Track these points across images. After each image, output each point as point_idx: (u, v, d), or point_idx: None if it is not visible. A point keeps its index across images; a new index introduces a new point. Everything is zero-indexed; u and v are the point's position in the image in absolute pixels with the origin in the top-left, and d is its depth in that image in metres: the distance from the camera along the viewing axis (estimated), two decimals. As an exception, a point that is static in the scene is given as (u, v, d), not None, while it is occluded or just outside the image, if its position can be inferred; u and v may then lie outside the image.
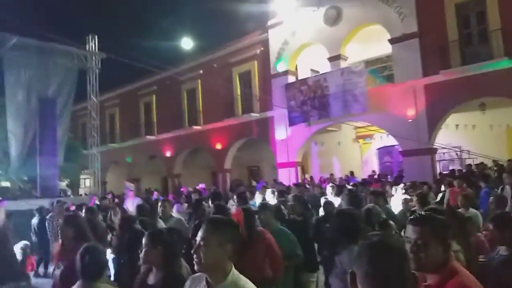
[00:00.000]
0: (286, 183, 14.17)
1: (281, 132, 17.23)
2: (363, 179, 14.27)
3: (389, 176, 14.23)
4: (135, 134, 23.87)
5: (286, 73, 17.34)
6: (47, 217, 8.64)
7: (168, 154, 22.34)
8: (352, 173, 16.50)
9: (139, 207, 5.84)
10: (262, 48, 18.34)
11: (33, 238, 8.75)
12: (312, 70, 18.35)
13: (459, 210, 5.04)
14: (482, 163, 12.31)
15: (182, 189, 14.27)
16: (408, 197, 6.86)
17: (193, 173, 21.99)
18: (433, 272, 1.92)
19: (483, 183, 7.88)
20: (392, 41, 14.15)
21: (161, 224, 5.38)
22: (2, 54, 15.97)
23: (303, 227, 5.04)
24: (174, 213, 7.34)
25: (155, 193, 13.04)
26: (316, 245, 5.32)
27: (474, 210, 5.32)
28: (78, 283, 2.76)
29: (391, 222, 4.24)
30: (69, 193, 16.91)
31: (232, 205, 6.41)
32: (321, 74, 16.17)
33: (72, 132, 22.33)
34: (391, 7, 14.05)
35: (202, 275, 2.01)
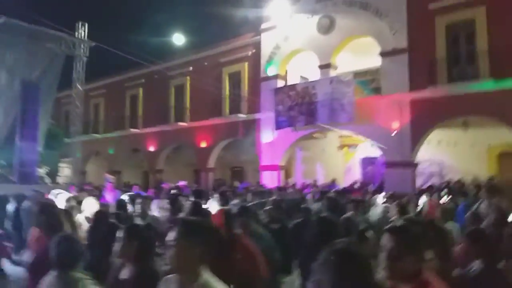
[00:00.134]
0: (269, 186, 14.18)
1: (267, 135, 17.25)
2: (345, 187, 14.38)
3: (370, 186, 14.37)
4: (119, 126, 23.55)
5: (275, 77, 17.39)
6: (23, 205, 8.44)
7: (151, 148, 22.11)
8: (334, 180, 16.61)
9: (119, 202, 5.77)
10: (254, 51, 18.36)
11: (9, 225, 8.53)
12: (301, 76, 18.45)
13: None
14: (460, 180, 12.55)
15: (163, 185, 14.12)
16: (388, 205, 6.93)
17: (175, 170, 21.82)
18: (406, 281, 1.94)
19: (461, 198, 8.03)
20: (382, 54, 14.34)
21: (137, 221, 5.31)
22: (-13, 34, 15.59)
23: (280, 234, 5.03)
24: (155, 208, 7.26)
25: (135, 187, 12.86)
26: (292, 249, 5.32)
27: (452, 223, 5.41)
28: (52, 272, 2.71)
29: (367, 234, 4.25)
30: (47, 180, 16.55)
31: (212, 204, 6.37)
32: (310, 81, 16.28)
33: (54, 119, 21.95)
34: (383, 21, 14.25)
35: (174, 276, 2.00)
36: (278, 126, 16.35)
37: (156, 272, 2.68)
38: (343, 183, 16.91)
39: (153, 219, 5.72)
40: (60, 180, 19.93)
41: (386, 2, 14.28)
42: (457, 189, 10.81)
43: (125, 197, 8.07)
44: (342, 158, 19.17)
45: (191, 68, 20.67)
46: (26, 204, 8.35)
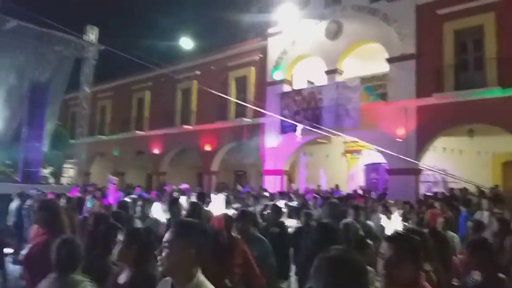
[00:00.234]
0: (271, 190, 14.14)
1: (271, 140, 17.23)
2: (348, 194, 14.31)
3: (373, 193, 14.29)
4: (125, 128, 23.68)
5: (282, 82, 17.39)
6: (26, 203, 8.49)
7: (156, 151, 22.17)
8: (337, 186, 16.53)
9: (120, 203, 5.78)
10: (261, 55, 18.39)
11: (11, 222, 8.59)
12: (308, 81, 18.44)
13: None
14: (465, 188, 12.43)
15: (166, 187, 14.14)
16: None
17: (179, 173, 21.86)
18: (403, 290, 1.92)
19: (464, 207, 7.94)
20: (390, 60, 14.28)
21: (137, 223, 5.30)
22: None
23: (280, 238, 4.99)
24: (157, 210, 7.27)
25: (138, 189, 12.89)
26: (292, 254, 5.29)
27: (452, 233, 5.35)
28: (52, 275, 2.71)
29: (368, 241, 4.19)
30: (51, 180, 16.65)
31: (213, 207, 6.37)
32: (316, 86, 16.26)
33: (61, 120, 22.12)
34: (392, 27, 14.21)
35: (169, 279, 1.98)
36: (283, 130, 16.33)
37: (153, 276, 2.66)
38: (346, 189, 16.84)
39: (152, 221, 5.71)
40: (64, 180, 20.06)
41: (394, 8, 14.25)
42: (461, 197, 10.73)
43: (127, 199, 8.10)
44: (346, 164, 19.09)
45: (198, 72, 20.75)
46: (28, 202, 8.41)
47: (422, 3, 13.79)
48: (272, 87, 17.48)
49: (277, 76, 17.50)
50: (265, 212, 5.94)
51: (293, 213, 6.68)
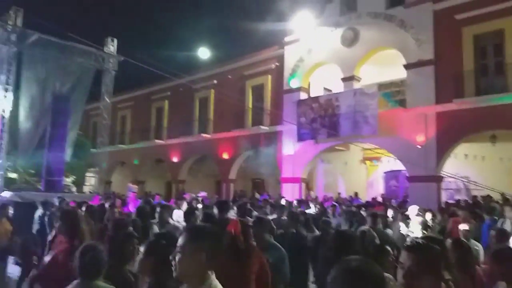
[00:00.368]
0: (289, 198, 14.08)
1: (288, 147, 17.20)
2: (367, 201, 14.12)
3: (393, 200, 14.06)
4: (144, 137, 24.06)
5: (298, 89, 17.40)
6: (48, 212, 8.67)
7: (175, 159, 22.41)
8: (356, 194, 16.34)
9: (139, 210, 5.85)
10: (277, 63, 18.46)
11: (35, 230, 8.78)
12: (325, 88, 18.39)
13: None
14: (488, 195, 12.11)
15: (185, 195, 14.25)
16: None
17: (197, 181, 22.02)
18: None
19: (487, 215, 7.72)
20: (407, 66, 14.14)
21: (155, 229, 5.34)
22: (23, 49, 16.32)
23: (297, 246, 4.96)
24: (178, 217, 7.32)
25: (157, 197, 13.02)
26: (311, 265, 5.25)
27: (475, 242, 5.22)
28: (76, 281, 2.74)
29: (387, 247, 4.15)
30: (73, 189, 17.01)
31: (232, 216, 6.34)
32: (333, 94, 16.19)
33: (82, 130, 22.61)
34: (409, 33, 14.08)
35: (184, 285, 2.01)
36: (300, 138, 16.28)
37: (170, 287, 2.68)
38: (365, 197, 16.63)
39: (172, 227, 5.76)
40: (86, 189, 20.45)
41: (411, 14, 14.13)
42: (484, 205, 10.45)
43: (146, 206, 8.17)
44: (365, 171, 18.88)
45: (215, 81, 20.97)
46: (50, 212, 8.59)
47: (439, 9, 13.64)
48: (289, 94, 17.50)
49: (293, 84, 17.52)
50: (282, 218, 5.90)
51: (310, 221, 6.63)
